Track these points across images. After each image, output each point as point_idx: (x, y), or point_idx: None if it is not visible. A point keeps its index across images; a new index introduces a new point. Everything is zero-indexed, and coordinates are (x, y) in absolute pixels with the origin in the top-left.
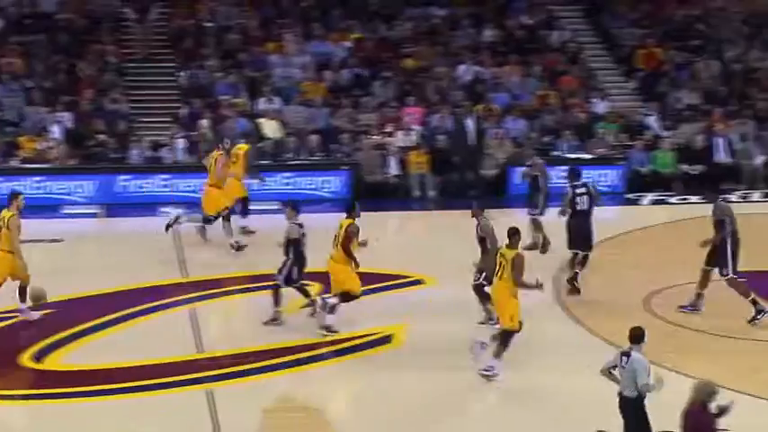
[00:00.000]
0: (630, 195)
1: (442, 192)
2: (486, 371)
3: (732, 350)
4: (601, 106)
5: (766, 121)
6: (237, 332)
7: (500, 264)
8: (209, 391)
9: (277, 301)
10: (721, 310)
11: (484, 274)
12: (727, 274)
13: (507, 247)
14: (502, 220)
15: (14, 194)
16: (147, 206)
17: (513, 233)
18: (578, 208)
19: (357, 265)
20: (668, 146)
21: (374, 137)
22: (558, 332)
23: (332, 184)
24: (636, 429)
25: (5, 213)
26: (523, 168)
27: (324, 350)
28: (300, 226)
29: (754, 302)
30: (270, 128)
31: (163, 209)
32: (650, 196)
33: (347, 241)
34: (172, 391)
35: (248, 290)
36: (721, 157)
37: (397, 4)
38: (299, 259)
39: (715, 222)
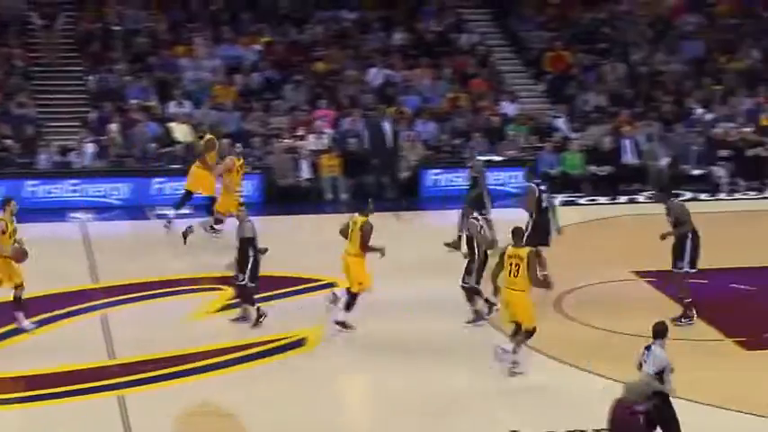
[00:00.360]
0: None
1: (355, 194)
2: (514, 367)
3: (627, 347)
4: (510, 109)
5: (671, 123)
6: (149, 338)
7: (511, 264)
8: (120, 397)
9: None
10: (632, 310)
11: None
12: (682, 268)
13: (515, 246)
14: (416, 221)
15: (7, 200)
16: (55, 212)
17: (517, 231)
18: (543, 205)
19: (383, 254)
20: (577, 147)
21: (286, 140)
22: (468, 332)
23: (244, 187)
24: (661, 420)
25: None
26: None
27: (232, 356)
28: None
29: (688, 307)
30: (181, 132)
31: (72, 214)
32: (560, 197)
33: (365, 239)
34: (83, 398)
35: (160, 294)
36: (628, 158)
37: (307, 7)
38: (257, 258)
39: (674, 222)
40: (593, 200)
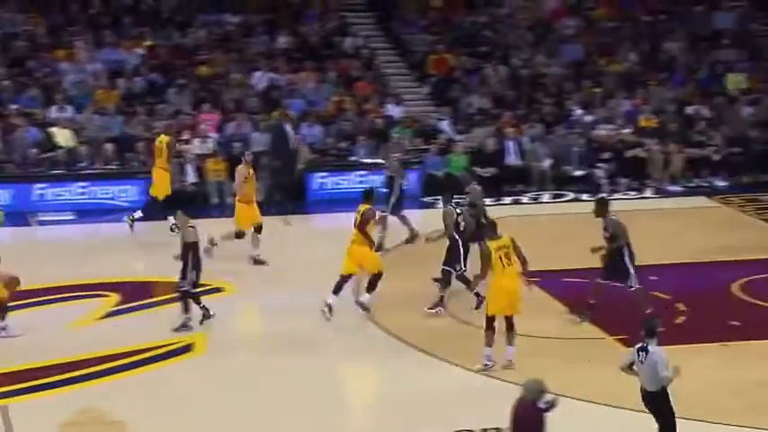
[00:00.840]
0: (427, 198)
1: None
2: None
3: (522, 348)
4: (395, 111)
5: (553, 125)
6: (33, 345)
7: (500, 257)
8: (3, 407)
9: (186, 308)
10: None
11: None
12: (632, 287)
13: (493, 239)
14: (303, 225)
15: None
16: None
17: (489, 225)
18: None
19: (373, 245)
20: (461, 149)
21: None
22: (354, 331)
23: (128, 193)
24: (665, 421)
25: None
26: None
27: (125, 360)
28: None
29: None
30: (63, 137)
31: None
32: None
33: (364, 224)
34: None
35: (44, 302)
36: (512, 159)
37: (189, 10)
38: (198, 263)
39: (610, 237)
40: None
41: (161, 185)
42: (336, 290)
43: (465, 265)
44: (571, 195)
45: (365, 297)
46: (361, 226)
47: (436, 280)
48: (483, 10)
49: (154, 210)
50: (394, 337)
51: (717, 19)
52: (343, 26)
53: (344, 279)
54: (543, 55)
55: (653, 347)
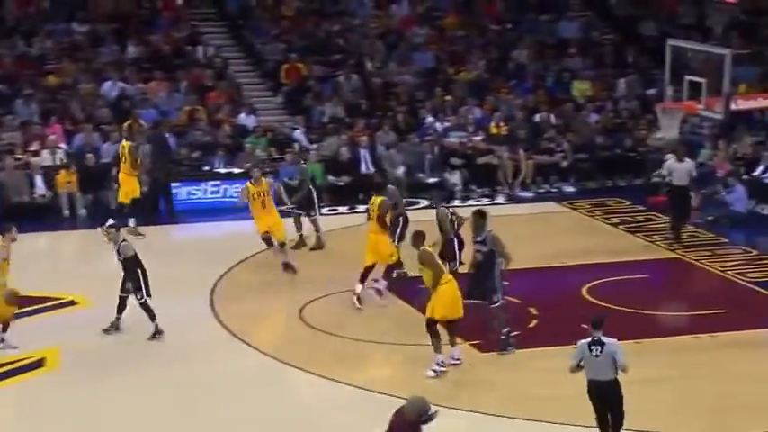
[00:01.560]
0: (282, 208)
1: (95, 210)
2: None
3: (385, 356)
4: (249, 121)
5: (406, 133)
6: None
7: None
8: None
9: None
10: (374, 317)
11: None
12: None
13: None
14: (157, 236)
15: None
16: None
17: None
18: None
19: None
20: (315, 158)
21: (18, 156)
22: (215, 346)
23: None
24: (619, 408)
25: None
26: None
27: None
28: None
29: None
30: None
31: None
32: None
33: (383, 215)
34: None
35: None
36: (366, 168)
37: (35, 20)
38: (144, 273)
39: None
40: (333, 209)
41: (127, 190)
42: (362, 280)
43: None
44: (425, 203)
45: (382, 284)
46: (380, 217)
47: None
48: (334, 19)
49: (123, 216)
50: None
51: (562, 28)
52: (195, 35)
53: (368, 269)
54: (395, 63)
55: (606, 339)
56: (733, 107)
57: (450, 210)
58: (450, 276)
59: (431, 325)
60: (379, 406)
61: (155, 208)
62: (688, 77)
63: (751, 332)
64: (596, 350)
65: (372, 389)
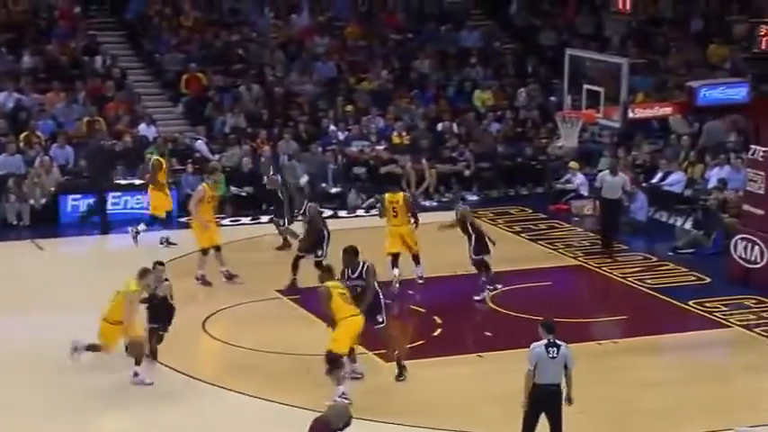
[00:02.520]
0: (184, 219)
1: None
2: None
3: (283, 367)
4: (149, 131)
5: (309, 143)
6: None
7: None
8: None
9: None
10: (278, 328)
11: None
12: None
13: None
14: (58, 249)
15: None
16: None
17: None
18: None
19: (417, 223)
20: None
21: None
22: (116, 359)
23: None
24: (559, 416)
25: None
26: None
27: None
28: None
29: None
30: None
31: None
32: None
33: (413, 208)
34: None
35: None
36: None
37: None
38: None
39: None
40: (236, 220)
41: (157, 204)
42: (394, 265)
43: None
44: (329, 212)
45: (396, 271)
46: (412, 211)
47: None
48: (234, 29)
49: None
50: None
51: (463, 38)
52: (92, 45)
53: (395, 257)
54: (296, 73)
55: (560, 342)
56: (631, 116)
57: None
58: (356, 311)
59: (336, 360)
60: (284, 418)
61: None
62: (586, 86)
63: (651, 338)
64: (553, 352)
65: (276, 400)
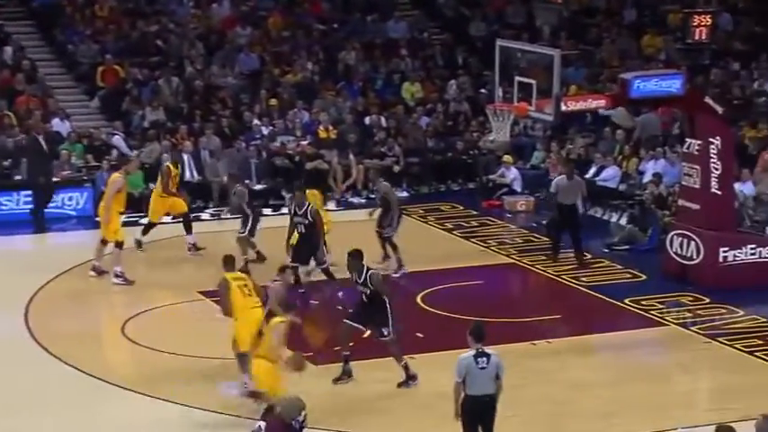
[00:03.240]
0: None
1: None
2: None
3: (202, 370)
4: (63, 127)
5: (232, 138)
6: None
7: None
8: None
9: None
10: (201, 332)
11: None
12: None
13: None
14: None
15: None
16: None
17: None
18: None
19: None
20: (136, 165)
21: None
22: (30, 366)
23: None
24: (492, 425)
25: None
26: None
27: None
28: None
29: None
30: None
31: None
32: (121, 218)
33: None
34: None
35: None
36: (190, 174)
37: None
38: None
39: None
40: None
41: (156, 208)
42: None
43: None
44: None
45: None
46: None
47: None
48: (152, 18)
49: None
50: (57, 358)
51: (390, 28)
52: (1, 36)
53: None
54: (218, 65)
55: (490, 350)
56: (563, 108)
57: None
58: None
59: (241, 357)
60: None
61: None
62: (518, 78)
63: (586, 337)
64: (483, 362)
65: (198, 406)
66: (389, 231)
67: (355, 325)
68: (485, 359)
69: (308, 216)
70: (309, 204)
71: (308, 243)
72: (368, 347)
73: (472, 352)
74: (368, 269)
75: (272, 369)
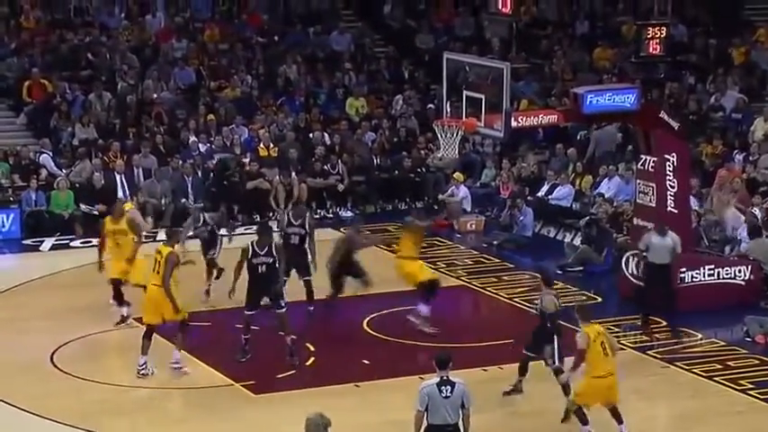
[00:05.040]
0: (28, 241)
1: None
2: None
3: (133, 400)
4: None
5: (167, 156)
6: None
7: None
8: None
9: None
10: (124, 357)
11: None
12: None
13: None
14: None
15: None
16: None
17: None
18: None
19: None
20: (66, 185)
21: None
22: None
23: None
24: None
25: None
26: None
27: None
28: None
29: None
30: None
31: None
32: (50, 241)
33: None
34: None
35: None
36: (124, 194)
37: None
38: None
39: None
40: (87, 242)
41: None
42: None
43: None
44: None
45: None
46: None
47: None
48: (82, 30)
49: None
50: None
51: (333, 41)
52: None
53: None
54: (152, 79)
55: (455, 378)
56: (514, 124)
57: None
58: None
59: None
60: None
61: None
62: (467, 93)
63: (540, 363)
64: (446, 391)
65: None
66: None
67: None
68: (449, 387)
69: (305, 227)
70: (307, 214)
71: (301, 254)
72: (311, 375)
73: (435, 380)
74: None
75: None
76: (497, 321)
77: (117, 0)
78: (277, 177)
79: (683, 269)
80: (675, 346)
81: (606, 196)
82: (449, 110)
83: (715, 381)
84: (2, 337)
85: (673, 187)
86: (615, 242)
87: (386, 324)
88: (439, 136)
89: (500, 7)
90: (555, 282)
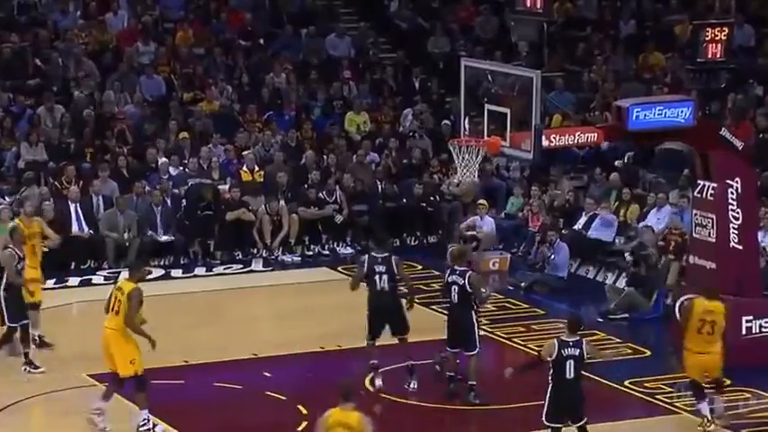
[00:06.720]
0: None
1: None
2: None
3: None
4: None
5: (131, 181)
6: None
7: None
8: None
9: None
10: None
11: None
12: None
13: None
14: None
15: None
16: None
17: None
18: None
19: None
20: (8, 215)
21: None
22: None
23: None
24: None
25: None
26: None
27: None
28: None
29: None
30: None
31: None
32: None
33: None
34: None
35: None
36: (79, 227)
37: None
38: None
39: None
40: None
41: None
42: None
43: None
44: (159, 272)
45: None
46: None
47: None
48: (28, 32)
49: None
50: None
51: (330, 45)
52: None
53: None
54: (114, 90)
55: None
56: (545, 144)
57: None
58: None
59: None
60: None
61: None
62: (489, 107)
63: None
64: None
65: None
66: None
67: None
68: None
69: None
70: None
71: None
72: None
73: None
74: None
75: None
76: (528, 379)
77: None
78: (263, 207)
79: (749, 317)
80: (736, 409)
81: (656, 230)
82: (467, 127)
83: None
84: None
85: (736, 219)
86: (666, 283)
87: (393, 380)
88: (455, 158)
89: (529, 5)
90: (582, 326)
